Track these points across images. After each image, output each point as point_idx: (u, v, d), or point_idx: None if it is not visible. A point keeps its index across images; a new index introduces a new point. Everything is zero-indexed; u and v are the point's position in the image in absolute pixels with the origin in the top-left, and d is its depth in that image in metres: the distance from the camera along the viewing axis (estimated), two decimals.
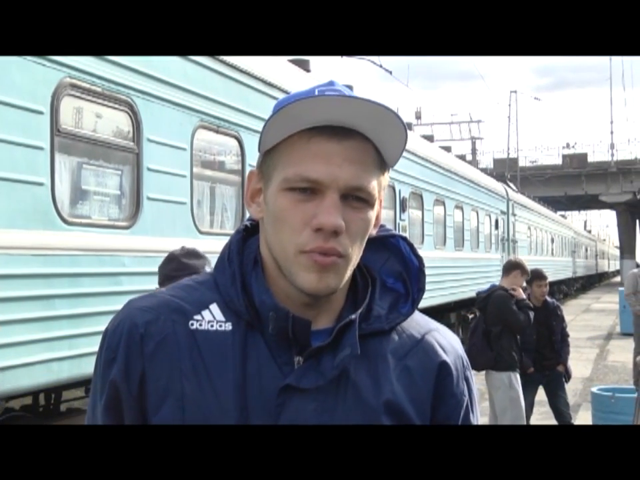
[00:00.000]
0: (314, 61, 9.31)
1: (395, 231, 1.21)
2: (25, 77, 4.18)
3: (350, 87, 8.88)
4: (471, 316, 15.03)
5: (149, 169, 5.17)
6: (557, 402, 6.65)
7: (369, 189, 1.06)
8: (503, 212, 18.64)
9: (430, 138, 15.66)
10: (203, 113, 5.77)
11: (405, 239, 1.21)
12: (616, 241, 74.19)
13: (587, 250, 48.57)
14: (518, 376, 6.08)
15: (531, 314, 6.09)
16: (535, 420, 7.07)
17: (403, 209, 10.82)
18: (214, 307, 1.11)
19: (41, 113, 4.27)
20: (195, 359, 1.07)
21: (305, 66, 8.66)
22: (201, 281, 1.16)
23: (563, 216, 45.31)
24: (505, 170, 39.56)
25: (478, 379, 6.43)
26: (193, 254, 2.91)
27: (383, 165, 1.10)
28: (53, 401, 5.46)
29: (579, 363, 11.92)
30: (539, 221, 25.40)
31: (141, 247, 5.09)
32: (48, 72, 4.33)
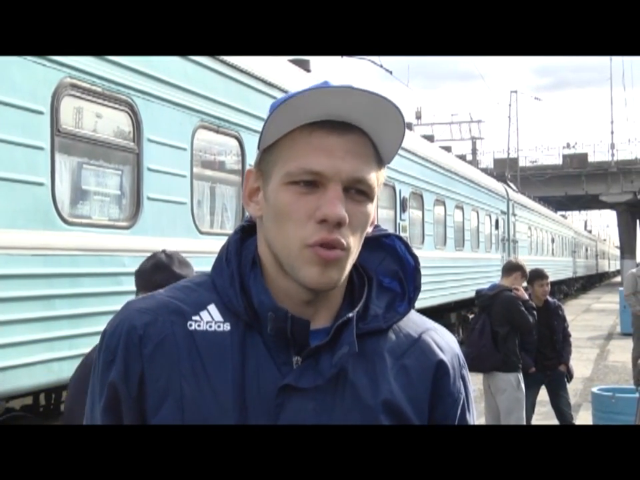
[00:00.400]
0: (314, 60, 9.31)
1: (391, 231, 1.22)
2: (25, 77, 4.18)
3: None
4: (471, 316, 15.03)
5: (149, 169, 5.18)
6: (559, 402, 6.64)
7: (370, 181, 1.07)
8: (503, 212, 18.65)
9: (430, 138, 15.67)
10: (203, 112, 5.77)
11: (400, 238, 1.21)
12: (616, 241, 74.21)
13: (587, 250, 48.58)
14: (522, 377, 6.08)
15: (535, 313, 6.09)
16: (536, 420, 7.07)
17: (403, 209, 10.82)
18: (212, 307, 1.11)
19: (41, 113, 4.27)
20: (194, 359, 1.07)
21: (305, 66, 8.66)
22: (198, 282, 1.16)
23: (563, 216, 45.32)
24: (506, 170, 39.58)
25: (477, 379, 6.42)
26: (184, 263, 2.75)
27: (380, 161, 1.11)
28: (53, 401, 5.46)
29: (580, 363, 11.92)
30: (540, 221, 25.40)
31: (141, 247, 5.09)
32: (48, 72, 4.33)
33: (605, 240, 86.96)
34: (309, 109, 1.03)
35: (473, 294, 13.30)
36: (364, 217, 1.08)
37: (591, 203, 52.05)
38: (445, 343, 1.18)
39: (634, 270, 8.41)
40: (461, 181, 14.48)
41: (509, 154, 46.47)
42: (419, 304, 6.67)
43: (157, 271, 2.73)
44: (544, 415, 7.70)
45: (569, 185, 44.67)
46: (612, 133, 50.51)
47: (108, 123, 5.03)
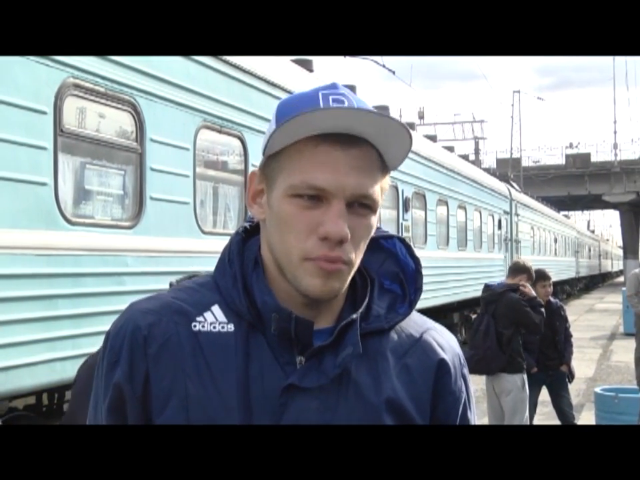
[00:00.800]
0: (317, 60, 9.31)
1: (392, 232, 1.22)
2: (28, 77, 4.19)
3: (352, 87, 8.90)
4: (473, 316, 15.02)
5: (152, 169, 5.18)
6: (560, 402, 6.64)
7: (375, 195, 1.07)
8: (506, 212, 18.63)
9: (433, 138, 15.66)
10: (206, 112, 5.77)
11: (402, 240, 1.22)
12: (619, 241, 74.10)
13: (590, 250, 48.53)
14: (526, 377, 6.07)
15: (543, 311, 6.07)
16: (538, 420, 7.06)
17: (405, 209, 10.81)
18: (215, 308, 1.11)
19: (44, 113, 4.28)
20: (198, 360, 1.07)
21: (307, 66, 8.66)
22: (201, 282, 1.16)
23: (566, 216, 45.28)
24: (508, 170, 39.51)
25: (479, 380, 6.42)
26: None
27: (385, 168, 1.11)
28: (56, 401, 5.47)
29: (582, 363, 11.91)
30: (542, 220, 25.37)
31: (144, 246, 5.09)
32: (51, 72, 4.34)
33: (607, 240, 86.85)
34: (316, 122, 1.03)
35: (475, 294, 13.29)
36: (367, 230, 1.08)
37: (593, 202, 51.99)
38: (446, 342, 1.19)
39: (637, 270, 8.38)
40: (464, 180, 14.47)
41: (511, 154, 46.40)
42: (421, 304, 6.67)
43: None
44: (546, 415, 7.69)
45: (571, 184, 44.62)
46: (615, 132, 50.21)
47: (111, 122, 5.03)
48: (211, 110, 5.83)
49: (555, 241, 28.71)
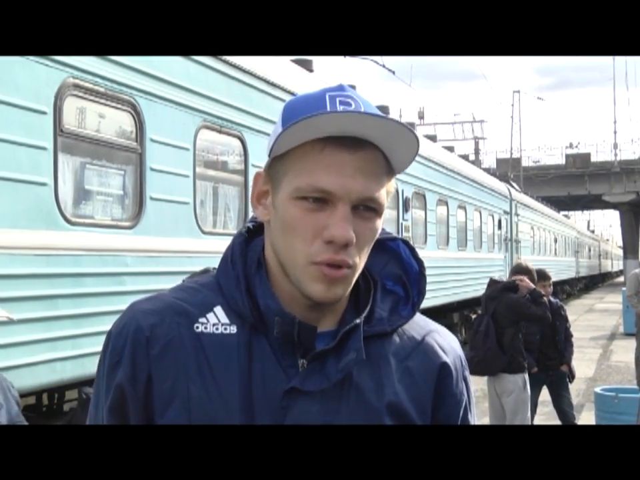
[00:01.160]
0: (317, 60, 9.31)
1: (396, 234, 1.22)
2: (28, 77, 4.19)
3: (353, 87, 8.91)
4: (473, 316, 15.01)
5: (151, 169, 5.18)
6: (561, 402, 6.64)
7: (380, 199, 1.07)
8: (506, 212, 18.63)
9: (433, 138, 15.66)
10: (206, 113, 5.77)
11: (405, 242, 1.21)
12: (619, 241, 74.08)
13: (590, 250, 48.53)
14: (527, 377, 6.07)
15: (545, 301, 6.06)
16: (539, 420, 7.06)
17: (405, 209, 10.81)
18: (218, 309, 1.11)
19: (44, 113, 4.28)
20: (201, 361, 1.07)
21: (307, 66, 8.66)
22: (203, 283, 1.16)
23: (566, 216, 45.28)
24: (508, 170, 39.50)
25: (480, 380, 6.42)
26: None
27: (391, 171, 1.10)
28: (56, 401, 5.46)
29: (582, 363, 11.91)
30: (542, 220, 25.37)
31: (143, 247, 5.09)
32: (51, 72, 4.34)
33: (607, 240, 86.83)
34: (323, 125, 1.02)
35: (475, 294, 13.27)
36: (372, 233, 1.08)
37: (593, 202, 51.98)
38: (448, 344, 1.19)
39: (637, 270, 8.38)
40: (464, 180, 14.47)
41: (511, 154, 46.38)
42: (421, 304, 6.65)
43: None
44: (547, 415, 7.69)
45: (571, 184, 44.61)
46: (615, 132, 50.17)
47: (111, 123, 5.03)
48: (210, 110, 5.83)
49: (555, 241, 28.70)
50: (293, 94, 6.85)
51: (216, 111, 5.90)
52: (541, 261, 20.76)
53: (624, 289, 15.33)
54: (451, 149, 16.99)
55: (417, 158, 11.26)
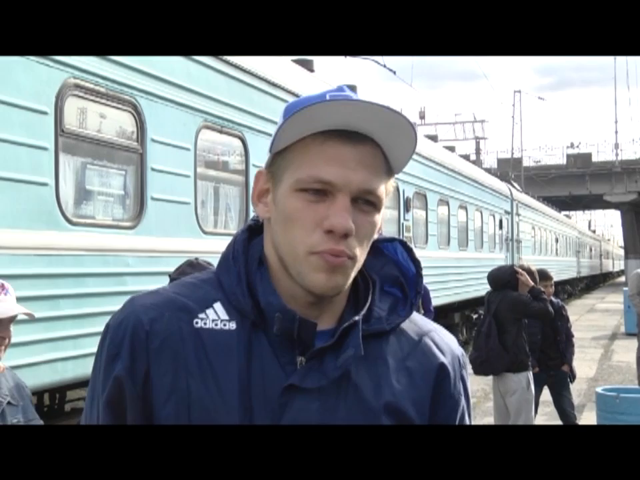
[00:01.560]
0: (318, 60, 9.31)
1: (397, 234, 1.22)
2: (29, 77, 4.19)
3: (353, 88, 8.89)
4: (474, 316, 15.01)
5: (152, 169, 5.18)
6: (562, 402, 6.63)
7: (379, 192, 1.08)
8: (507, 212, 18.63)
9: (434, 138, 15.67)
10: (207, 113, 5.78)
11: (403, 243, 1.22)
12: (620, 241, 74.01)
13: (591, 250, 48.49)
14: (531, 376, 6.06)
15: (545, 297, 6.06)
16: (540, 420, 7.06)
17: (406, 209, 10.81)
18: (218, 305, 1.11)
19: (45, 113, 4.28)
20: (200, 357, 1.07)
21: (308, 66, 8.66)
22: (203, 279, 1.16)
23: (567, 216, 45.25)
24: (509, 170, 39.47)
25: (481, 380, 6.41)
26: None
27: (390, 171, 1.12)
28: (57, 401, 5.47)
29: (584, 363, 11.90)
30: (543, 220, 25.37)
31: (145, 247, 5.10)
32: (52, 72, 4.34)
33: (609, 240, 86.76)
34: (324, 117, 1.04)
35: (476, 294, 13.25)
36: (371, 227, 1.09)
37: (594, 202, 51.95)
38: (445, 344, 1.19)
39: (639, 270, 8.39)
40: (465, 180, 14.47)
41: (512, 154, 46.34)
42: None
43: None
44: (548, 416, 7.69)
45: (572, 184, 44.60)
46: (616, 132, 50.12)
47: (112, 123, 5.03)
48: (211, 110, 5.83)
49: (556, 240, 28.69)
50: (293, 94, 6.86)
51: (217, 111, 5.90)
52: (542, 261, 20.76)
53: (625, 288, 15.34)
54: (451, 148, 16.99)
55: (418, 158, 11.30)
